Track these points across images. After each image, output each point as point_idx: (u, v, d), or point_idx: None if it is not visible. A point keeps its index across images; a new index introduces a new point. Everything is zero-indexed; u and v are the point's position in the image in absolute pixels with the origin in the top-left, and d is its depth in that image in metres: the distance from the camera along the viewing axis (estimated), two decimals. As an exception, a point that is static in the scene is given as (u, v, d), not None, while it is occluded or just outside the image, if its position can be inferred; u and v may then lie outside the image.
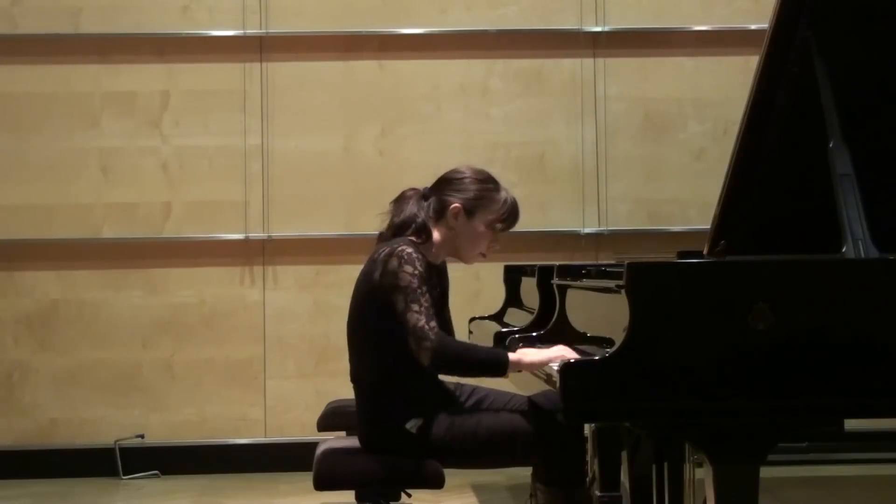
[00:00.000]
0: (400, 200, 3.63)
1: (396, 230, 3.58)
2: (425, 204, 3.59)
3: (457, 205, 3.55)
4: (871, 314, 2.78)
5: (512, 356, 3.37)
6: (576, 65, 6.54)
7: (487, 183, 3.59)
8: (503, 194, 3.59)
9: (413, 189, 3.64)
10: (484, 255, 3.63)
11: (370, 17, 6.51)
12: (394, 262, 3.42)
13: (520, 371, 3.39)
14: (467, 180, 3.58)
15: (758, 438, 2.78)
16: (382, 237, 3.65)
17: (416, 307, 3.36)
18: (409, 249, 3.45)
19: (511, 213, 3.59)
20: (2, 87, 6.44)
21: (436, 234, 3.58)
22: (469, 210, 3.56)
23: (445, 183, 3.61)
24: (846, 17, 3.16)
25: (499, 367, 3.37)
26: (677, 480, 3.81)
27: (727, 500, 2.76)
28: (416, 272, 3.40)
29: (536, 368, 3.36)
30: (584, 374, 2.74)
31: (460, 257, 3.64)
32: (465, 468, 3.61)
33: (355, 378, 3.61)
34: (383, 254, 3.47)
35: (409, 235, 3.56)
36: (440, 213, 3.57)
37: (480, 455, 3.49)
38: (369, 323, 3.51)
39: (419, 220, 3.55)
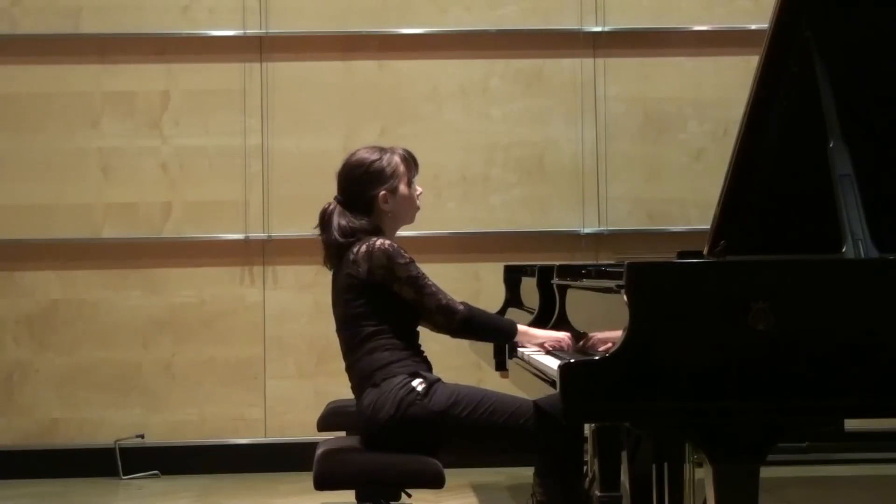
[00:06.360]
0: (327, 222, 3.68)
1: (347, 245, 3.61)
2: (347, 212, 3.66)
3: (382, 193, 3.67)
4: (871, 314, 2.78)
5: (521, 327, 3.69)
6: (576, 65, 6.54)
7: (383, 154, 3.72)
8: (396, 154, 3.73)
9: (328, 204, 3.72)
10: (419, 208, 3.78)
11: (370, 17, 6.51)
12: (380, 257, 3.53)
13: (524, 346, 3.68)
14: (372, 166, 3.69)
15: (758, 438, 2.78)
16: (331, 261, 3.69)
17: (427, 290, 3.55)
18: (387, 241, 3.57)
19: (414, 161, 3.77)
20: (2, 87, 6.44)
21: (379, 225, 3.69)
22: (391, 189, 3.68)
23: (354, 181, 3.70)
24: (846, 17, 3.16)
25: (511, 332, 3.68)
26: (677, 480, 3.81)
27: (727, 500, 2.76)
28: (407, 259, 3.55)
29: (537, 342, 3.66)
30: (583, 374, 2.74)
31: (404, 225, 3.78)
32: (465, 447, 3.59)
33: (351, 364, 3.63)
34: (362, 251, 3.56)
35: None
36: (368, 208, 3.67)
37: (482, 429, 3.46)
38: (365, 310, 3.56)
39: (357, 224, 3.64)
